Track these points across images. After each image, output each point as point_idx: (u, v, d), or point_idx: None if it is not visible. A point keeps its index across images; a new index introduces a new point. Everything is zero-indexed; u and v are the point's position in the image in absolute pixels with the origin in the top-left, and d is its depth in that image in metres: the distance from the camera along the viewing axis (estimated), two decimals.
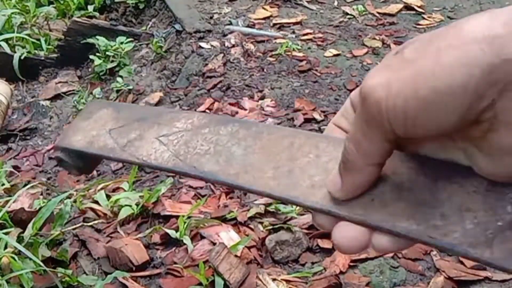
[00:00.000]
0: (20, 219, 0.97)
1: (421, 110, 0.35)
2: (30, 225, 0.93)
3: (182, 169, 0.70)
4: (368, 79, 0.37)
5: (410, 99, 0.35)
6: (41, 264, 0.86)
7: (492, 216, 0.39)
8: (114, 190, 1.17)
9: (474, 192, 0.40)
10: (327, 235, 1.01)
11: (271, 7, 2.22)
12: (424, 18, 2.14)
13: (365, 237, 0.40)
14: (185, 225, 1.00)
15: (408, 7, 2.22)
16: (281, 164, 0.63)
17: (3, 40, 2.18)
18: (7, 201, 1.04)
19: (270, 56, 1.84)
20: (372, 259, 0.96)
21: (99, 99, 0.97)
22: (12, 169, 1.37)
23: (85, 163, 0.80)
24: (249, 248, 0.98)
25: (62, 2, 2.51)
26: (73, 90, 2.08)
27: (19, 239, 0.91)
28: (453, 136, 0.39)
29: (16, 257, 0.86)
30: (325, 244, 0.99)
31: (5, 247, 0.89)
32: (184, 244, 0.97)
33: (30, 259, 0.87)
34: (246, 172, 0.66)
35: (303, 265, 0.96)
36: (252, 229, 1.03)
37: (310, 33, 2.02)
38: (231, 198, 1.16)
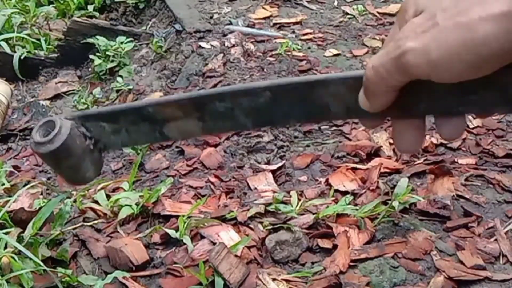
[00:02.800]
0: (20, 219, 0.97)
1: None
2: (30, 224, 0.93)
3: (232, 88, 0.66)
4: (408, 42, 0.43)
5: (447, 54, 0.41)
6: (41, 264, 0.86)
7: None
8: (114, 190, 1.17)
9: None
10: (327, 235, 1.01)
11: (271, 7, 2.22)
12: None
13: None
14: (185, 225, 1.00)
15: None
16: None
17: (3, 40, 2.18)
18: (7, 201, 1.04)
19: (270, 56, 1.83)
20: (372, 259, 0.96)
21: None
22: (12, 169, 1.37)
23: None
24: (249, 248, 0.98)
25: (62, 2, 2.51)
26: (73, 90, 2.08)
27: (19, 239, 0.91)
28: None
29: (16, 257, 0.86)
30: (325, 244, 0.99)
31: (5, 247, 0.89)
32: (184, 244, 0.97)
33: (30, 259, 0.87)
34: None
35: (303, 265, 0.96)
36: (252, 229, 1.03)
37: (310, 33, 2.02)
38: (231, 198, 1.16)
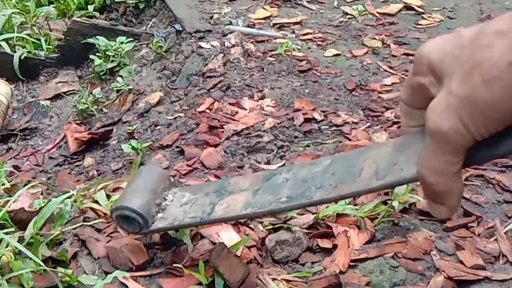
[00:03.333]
0: (20, 219, 0.97)
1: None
2: (30, 224, 0.93)
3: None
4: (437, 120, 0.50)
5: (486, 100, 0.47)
6: (41, 263, 0.86)
7: None
8: (114, 190, 1.17)
9: None
10: (327, 235, 1.01)
11: (271, 7, 2.22)
12: (424, 18, 2.14)
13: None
14: None
15: (408, 7, 2.22)
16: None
17: (3, 40, 2.18)
18: (7, 201, 1.04)
19: (270, 56, 1.84)
20: (372, 259, 0.96)
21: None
22: (12, 169, 1.37)
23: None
24: (249, 248, 0.98)
25: (62, 2, 2.51)
26: (73, 90, 2.08)
27: (20, 239, 0.91)
28: None
29: (16, 257, 0.86)
30: (325, 244, 0.99)
31: (6, 246, 0.89)
32: (184, 244, 0.97)
33: (30, 258, 0.87)
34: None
35: (303, 264, 0.96)
36: (252, 229, 1.03)
37: (310, 33, 2.02)
38: None
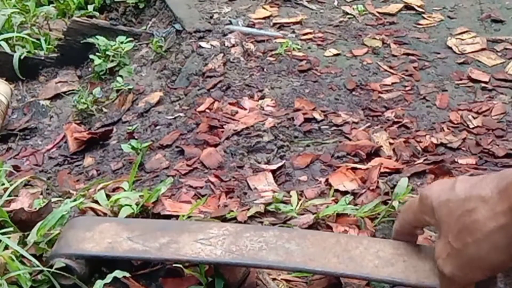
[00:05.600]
0: (20, 219, 0.97)
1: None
2: (34, 230, 0.93)
3: (243, 261, 0.83)
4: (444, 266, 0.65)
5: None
6: (43, 268, 0.86)
7: None
8: (114, 190, 1.17)
9: None
10: None
11: (271, 6, 2.22)
12: (424, 18, 2.14)
13: None
14: None
15: (408, 7, 2.21)
16: (339, 254, 0.79)
17: (3, 39, 2.18)
18: (8, 201, 1.04)
19: (270, 56, 1.84)
20: None
21: (83, 216, 1.02)
22: (12, 169, 1.37)
23: (90, 268, 0.87)
24: None
25: (62, 1, 2.51)
26: (73, 89, 2.08)
27: (20, 241, 0.91)
28: None
29: (14, 257, 0.86)
30: None
31: (5, 248, 0.88)
32: None
33: (30, 261, 0.87)
34: (312, 260, 0.79)
35: None
36: None
37: (310, 33, 2.02)
38: (231, 197, 1.16)
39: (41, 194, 1.20)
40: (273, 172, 1.26)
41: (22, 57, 2.14)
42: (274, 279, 0.91)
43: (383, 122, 1.49)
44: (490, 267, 0.61)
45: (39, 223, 0.94)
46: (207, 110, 1.57)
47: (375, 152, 1.32)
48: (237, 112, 1.54)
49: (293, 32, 2.03)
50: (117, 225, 0.89)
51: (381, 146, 1.34)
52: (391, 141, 1.38)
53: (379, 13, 2.18)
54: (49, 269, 0.85)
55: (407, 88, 1.66)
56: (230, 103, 1.58)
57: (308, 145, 1.39)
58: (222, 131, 1.45)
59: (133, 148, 1.41)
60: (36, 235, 0.92)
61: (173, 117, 1.61)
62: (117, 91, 1.89)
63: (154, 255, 0.84)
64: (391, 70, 1.77)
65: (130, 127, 1.61)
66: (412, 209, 0.72)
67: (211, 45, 1.88)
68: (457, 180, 0.65)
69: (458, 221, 0.61)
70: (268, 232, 0.83)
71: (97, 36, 2.05)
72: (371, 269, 0.73)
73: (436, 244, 0.66)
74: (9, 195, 1.06)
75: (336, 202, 1.09)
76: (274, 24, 2.09)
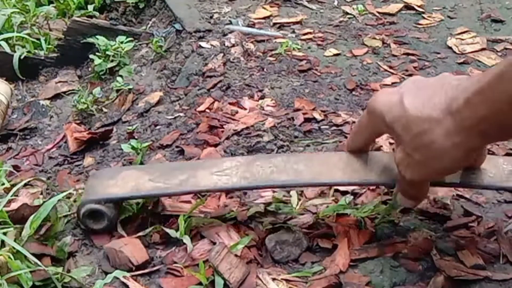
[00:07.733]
0: (22, 216, 0.97)
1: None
2: (27, 224, 0.93)
3: (258, 184, 0.96)
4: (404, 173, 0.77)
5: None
6: (39, 263, 0.86)
7: None
8: None
9: None
10: (327, 235, 1.01)
11: (271, 6, 2.22)
12: (424, 18, 2.14)
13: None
14: (185, 225, 1.00)
15: (408, 7, 2.22)
16: (343, 168, 0.91)
17: (3, 39, 2.18)
18: (8, 202, 1.04)
19: (270, 56, 1.83)
20: (372, 258, 0.96)
21: (103, 169, 1.19)
22: (12, 169, 1.37)
23: (118, 212, 1.00)
24: (249, 247, 0.98)
25: (62, 1, 2.51)
26: (73, 89, 2.08)
27: (16, 238, 0.91)
28: None
29: (13, 256, 0.86)
30: (325, 243, 0.99)
31: (3, 246, 0.88)
32: (184, 243, 0.97)
33: (26, 257, 0.87)
34: (320, 175, 0.93)
35: (303, 264, 0.96)
36: (252, 229, 1.03)
37: (310, 33, 2.02)
38: (231, 197, 1.16)
39: (41, 194, 1.20)
40: None
41: (22, 57, 2.14)
42: (274, 279, 0.91)
43: None
44: (450, 171, 0.73)
45: (31, 216, 0.94)
46: (207, 110, 1.57)
47: None
48: (237, 112, 1.53)
49: (293, 32, 2.03)
50: (137, 171, 0.98)
51: (381, 146, 1.34)
52: (391, 141, 1.38)
53: (379, 13, 2.18)
54: (50, 269, 0.85)
55: None
56: (230, 103, 1.58)
57: (308, 145, 1.39)
58: (222, 131, 1.45)
59: (133, 148, 1.41)
60: (29, 229, 0.92)
61: (173, 117, 1.61)
62: (117, 91, 1.89)
63: (176, 189, 0.93)
64: (391, 70, 1.76)
65: (130, 127, 1.61)
66: (364, 126, 0.80)
67: (211, 45, 1.88)
68: (404, 92, 0.69)
69: (415, 139, 0.67)
70: (276, 159, 0.92)
71: (97, 36, 2.05)
72: (377, 175, 0.89)
73: (396, 153, 0.74)
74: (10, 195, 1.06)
75: (336, 202, 1.09)
76: (274, 24, 2.09)
